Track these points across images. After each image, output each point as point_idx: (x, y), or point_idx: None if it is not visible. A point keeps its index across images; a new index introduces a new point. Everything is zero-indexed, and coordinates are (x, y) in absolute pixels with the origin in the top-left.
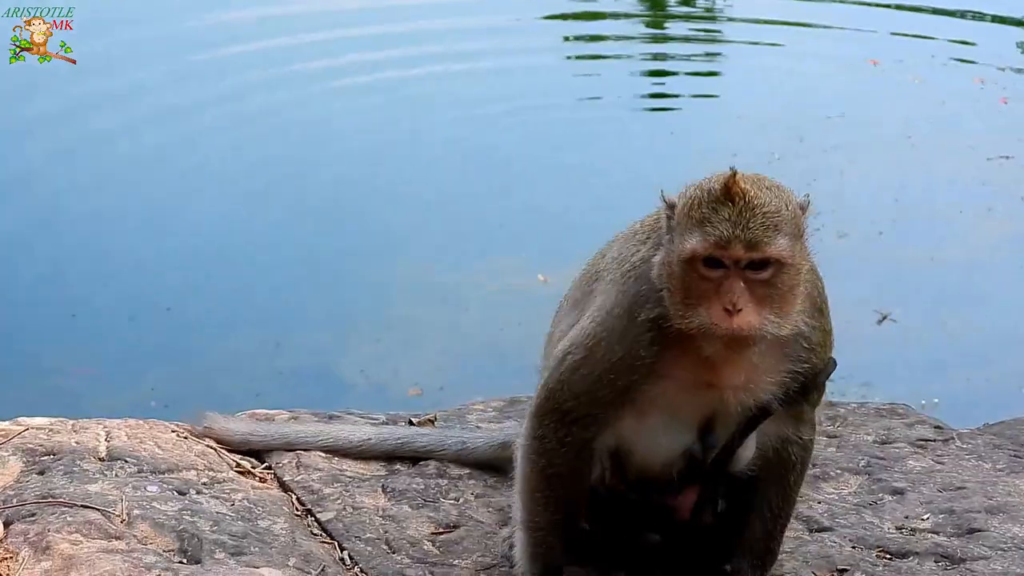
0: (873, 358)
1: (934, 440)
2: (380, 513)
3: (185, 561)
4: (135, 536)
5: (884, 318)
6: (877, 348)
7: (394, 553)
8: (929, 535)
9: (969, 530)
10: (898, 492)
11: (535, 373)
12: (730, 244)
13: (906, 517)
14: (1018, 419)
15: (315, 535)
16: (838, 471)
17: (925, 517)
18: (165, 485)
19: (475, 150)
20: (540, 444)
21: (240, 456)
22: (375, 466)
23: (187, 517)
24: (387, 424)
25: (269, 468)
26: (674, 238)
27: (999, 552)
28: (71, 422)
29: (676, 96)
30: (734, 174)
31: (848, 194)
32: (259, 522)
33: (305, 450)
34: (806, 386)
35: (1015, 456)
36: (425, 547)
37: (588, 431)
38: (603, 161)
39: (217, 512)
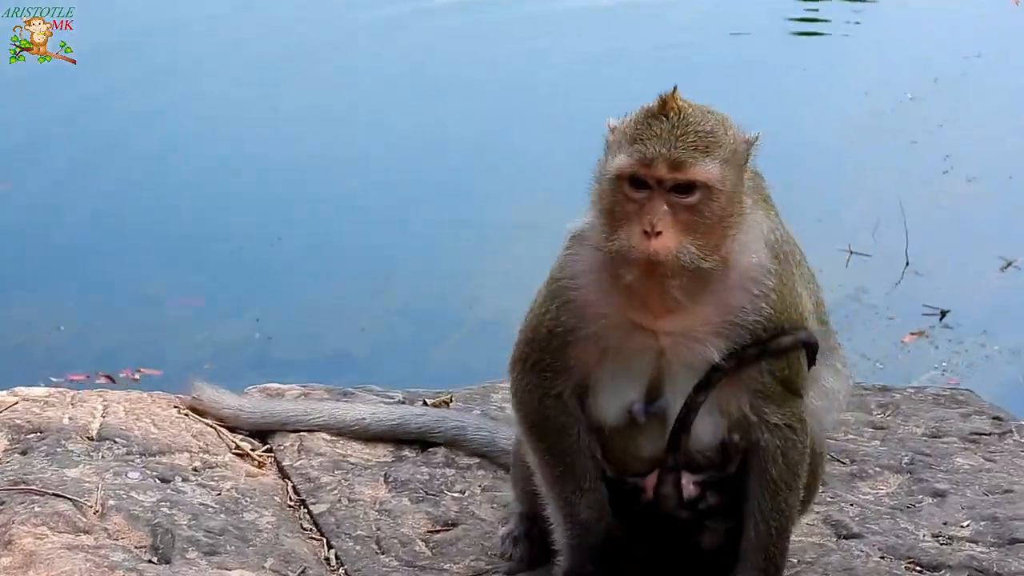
0: (995, 304)
1: (989, 434)
2: (377, 506)
3: (155, 560)
4: (106, 530)
5: (1009, 264)
6: (999, 295)
7: (383, 554)
8: (967, 544)
9: (1011, 540)
10: (939, 494)
11: None
12: (654, 163)
13: (944, 523)
14: None
15: (305, 530)
16: (877, 469)
17: (965, 524)
18: (149, 471)
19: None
20: (515, 397)
21: (242, 436)
22: (382, 450)
23: (164, 509)
24: (388, 404)
25: (271, 451)
26: (607, 157)
27: None
28: (71, 393)
29: (826, 21)
30: (674, 90)
31: (980, 138)
32: (244, 515)
33: (297, 430)
34: (763, 348)
35: None
36: (417, 548)
37: (548, 379)
38: (727, 97)
39: (199, 503)
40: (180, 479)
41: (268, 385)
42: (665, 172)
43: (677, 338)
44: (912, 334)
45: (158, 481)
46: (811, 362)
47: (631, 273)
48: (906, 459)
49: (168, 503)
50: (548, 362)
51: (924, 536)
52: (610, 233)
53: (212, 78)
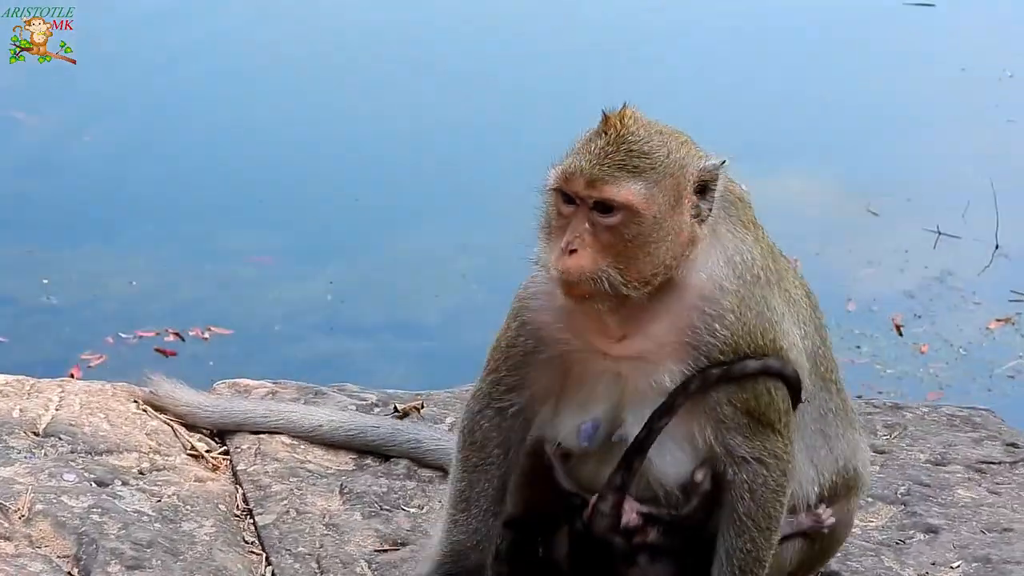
0: None
1: (998, 463)
2: (326, 520)
3: (75, 572)
4: (29, 537)
5: None
6: None
7: (321, 574)
8: None
9: None
10: (932, 530)
11: None
12: (572, 177)
13: (933, 563)
14: None
15: (246, 543)
16: (869, 499)
17: (955, 565)
18: (88, 473)
19: None
20: (476, 413)
21: (201, 436)
22: (345, 457)
23: (95, 517)
24: (350, 411)
25: (227, 453)
26: None
27: None
28: (30, 382)
29: None
30: (623, 107)
31: None
32: (182, 524)
33: (256, 432)
34: (726, 371)
35: None
36: (358, 569)
37: (498, 391)
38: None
39: (135, 511)
40: (120, 483)
41: (238, 381)
42: (582, 188)
43: (635, 362)
44: (998, 320)
45: (94, 484)
46: (794, 400)
47: (560, 294)
48: (902, 489)
49: (100, 509)
50: (504, 376)
51: None
52: (540, 249)
53: (289, 41)
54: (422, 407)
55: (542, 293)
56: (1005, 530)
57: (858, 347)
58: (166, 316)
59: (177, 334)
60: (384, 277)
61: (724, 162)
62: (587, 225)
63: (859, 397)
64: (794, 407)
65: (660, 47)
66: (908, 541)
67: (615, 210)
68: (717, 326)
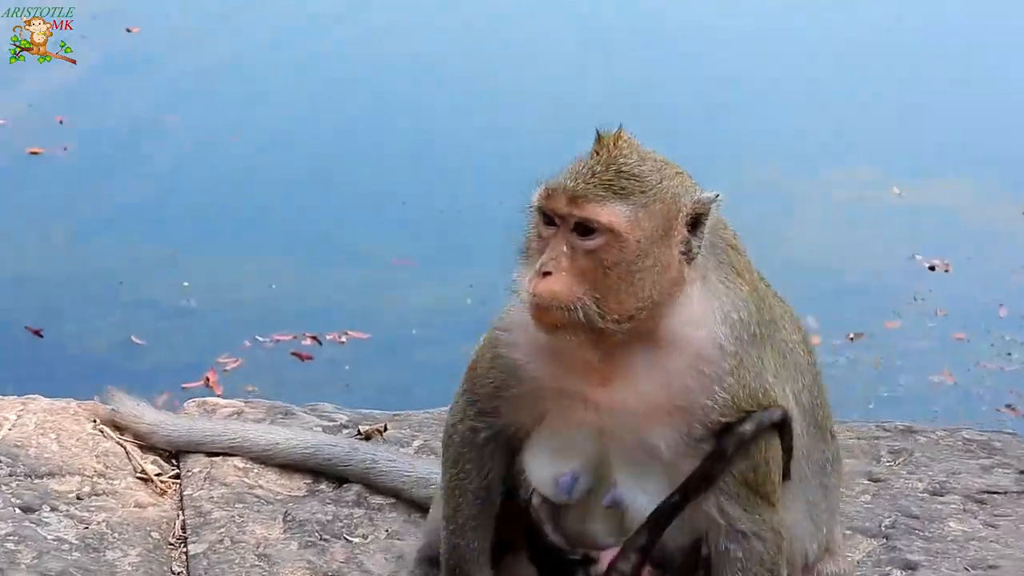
0: None
1: (1003, 493)
2: (259, 550)
3: None
4: None
5: None
6: None
7: None
8: None
9: None
10: (910, 567)
11: None
12: (555, 195)
13: None
14: None
15: (173, 573)
16: (848, 532)
17: None
18: (15, 499)
19: None
20: (451, 426)
21: (155, 458)
22: (299, 482)
23: (10, 545)
24: (310, 430)
25: (179, 477)
26: None
27: None
28: None
29: None
30: (618, 129)
31: None
32: (106, 553)
33: (213, 453)
34: (721, 445)
35: None
36: None
37: (473, 415)
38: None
39: (55, 539)
40: (49, 508)
41: (207, 400)
42: (563, 206)
43: (619, 416)
44: None
45: (18, 511)
46: (786, 448)
47: (534, 326)
48: (887, 521)
49: (17, 537)
50: (477, 400)
51: None
52: (519, 274)
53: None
54: (385, 429)
55: (517, 325)
56: (991, 567)
57: (1009, 354)
58: (304, 319)
59: (314, 338)
60: None
61: (718, 196)
62: (565, 248)
63: (867, 422)
64: (785, 476)
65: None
66: None
67: (596, 232)
68: (716, 388)
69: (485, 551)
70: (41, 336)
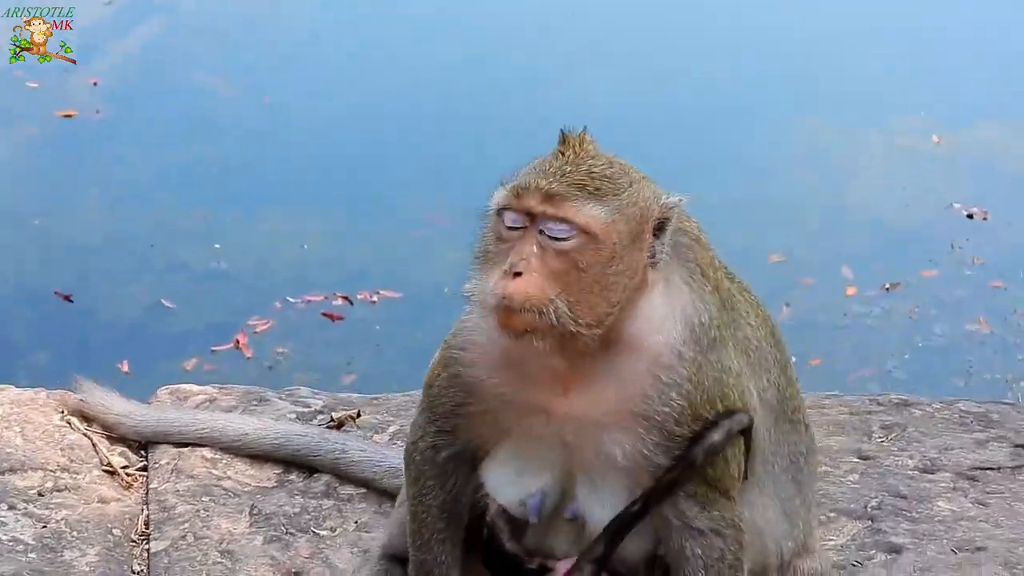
0: None
1: (997, 469)
2: (223, 546)
3: None
4: None
5: None
6: None
7: None
8: None
9: None
10: (894, 550)
11: None
12: (526, 193)
13: None
14: None
15: (133, 572)
16: (833, 514)
17: None
18: None
19: None
20: (411, 444)
21: (123, 449)
22: (268, 472)
23: None
24: (277, 421)
25: (146, 469)
26: None
27: None
28: None
29: None
30: (583, 130)
31: None
32: (63, 553)
33: (184, 444)
34: (710, 447)
35: None
36: None
37: (434, 431)
38: None
39: (11, 539)
40: (7, 507)
41: (180, 386)
42: (536, 204)
43: (580, 426)
44: None
45: None
46: (747, 447)
47: (498, 332)
48: (873, 502)
49: None
50: (436, 419)
51: None
52: (476, 280)
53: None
54: (359, 415)
55: (474, 341)
56: (978, 549)
57: None
58: (335, 280)
59: (345, 298)
60: None
61: (682, 200)
62: (535, 248)
63: (863, 395)
64: (746, 475)
65: None
66: (865, 564)
67: (570, 234)
68: (673, 394)
69: (455, 564)
70: (71, 301)
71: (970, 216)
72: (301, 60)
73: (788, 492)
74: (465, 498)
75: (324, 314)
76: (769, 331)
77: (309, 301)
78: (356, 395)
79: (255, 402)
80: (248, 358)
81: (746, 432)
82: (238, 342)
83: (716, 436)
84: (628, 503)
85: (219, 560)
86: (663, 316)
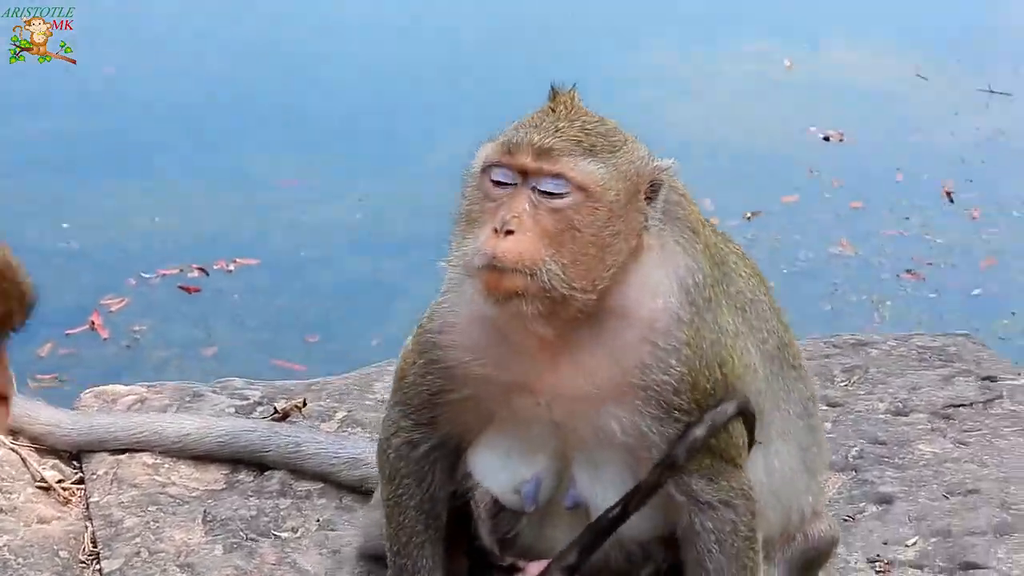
0: None
1: (969, 405)
2: (179, 559)
3: None
4: None
5: None
6: None
7: None
8: (909, 572)
9: (963, 565)
10: (885, 500)
11: None
12: (518, 148)
13: (885, 542)
14: None
15: None
16: None
17: (911, 542)
18: None
19: None
20: (384, 441)
21: (54, 461)
22: (215, 474)
23: None
24: (224, 416)
25: (83, 482)
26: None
27: None
28: None
29: None
30: (572, 87)
31: None
32: None
33: (120, 450)
34: (711, 426)
35: None
36: None
37: (409, 425)
38: None
39: None
40: None
41: (106, 389)
42: (530, 160)
43: (569, 404)
44: None
45: None
46: (750, 436)
47: (483, 297)
48: (854, 451)
49: None
50: (412, 412)
51: (857, 562)
52: (459, 245)
53: None
54: (304, 404)
55: (452, 322)
56: (970, 492)
57: (907, 218)
58: (190, 251)
59: (201, 269)
60: (416, 190)
61: (675, 162)
62: (527, 207)
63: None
64: (750, 444)
65: None
66: (857, 517)
67: (565, 192)
68: (673, 361)
69: (437, 567)
70: None
71: (826, 139)
72: (143, 29)
73: (806, 441)
74: (444, 495)
75: (180, 287)
76: (760, 279)
77: (164, 275)
78: (293, 382)
79: (188, 398)
80: (105, 339)
81: (740, 416)
82: (93, 323)
83: (699, 432)
84: (630, 487)
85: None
86: (658, 281)
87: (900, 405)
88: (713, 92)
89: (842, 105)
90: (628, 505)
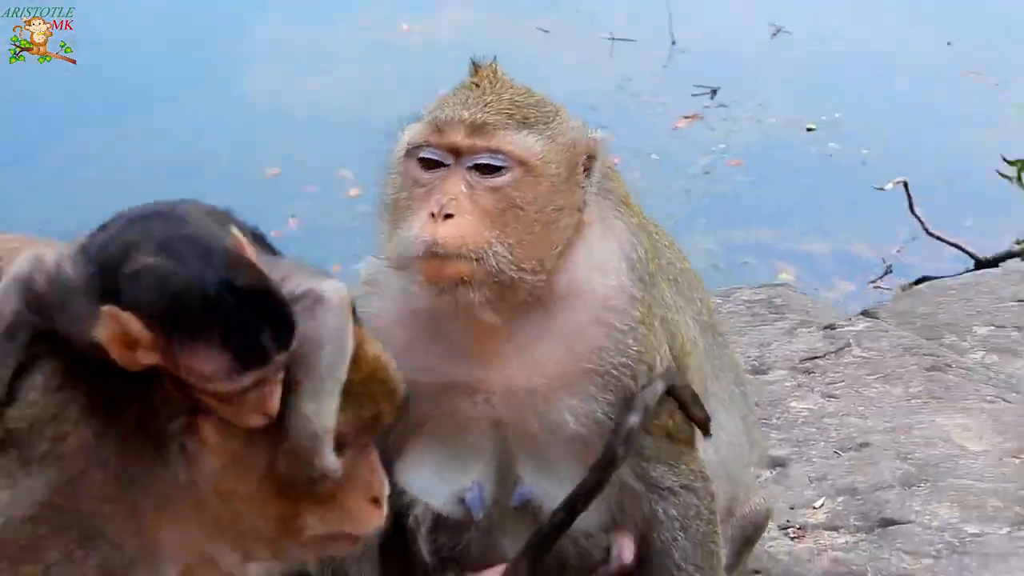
0: (767, 74)
1: (823, 356)
2: None
3: None
4: None
5: (778, 31)
6: (770, 64)
7: None
8: (825, 535)
9: (881, 521)
10: (779, 463)
11: None
12: (449, 127)
13: (791, 507)
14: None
15: None
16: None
17: (818, 504)
18: None
19: None
20: None
21: None
22: None
23: None
24: None
25: None
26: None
27: (929, 558)
28: None
29: None
30: (493, 60)
31: None
32: None
33: None
34: (646, 413)
35: (930, 368)
36: None
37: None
38: None
39: None
40: None
41: None
42: (463, 138)
43: (516, 397)
44: (685, 118)
45: None
46: (685, 412)
47: (423, 288)
48: None
49: None
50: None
51: (769, 530)
52: (391, 235)
53: None
54: None
55: (377, 326)
56: (862, 445)
57: None
58: None
59: None
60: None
61: (609, 134)
62: (464, 188)
63: None
64: (706, 430)
65: None
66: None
67: (502, 168)
68: (630, 341)
69: None
70: None
71: None
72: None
73: (744, 409)
74: None
75: None
76: (677, 248)
77: None
78: None
79: None
80: None
81: (670, 392)
82: None
83: (633, 420)
84: (576, 485)
85: None
86: (606, 258)
87: (757, 363)
88: (330, 61)
89: (462, 67)
90: (575, 506)
